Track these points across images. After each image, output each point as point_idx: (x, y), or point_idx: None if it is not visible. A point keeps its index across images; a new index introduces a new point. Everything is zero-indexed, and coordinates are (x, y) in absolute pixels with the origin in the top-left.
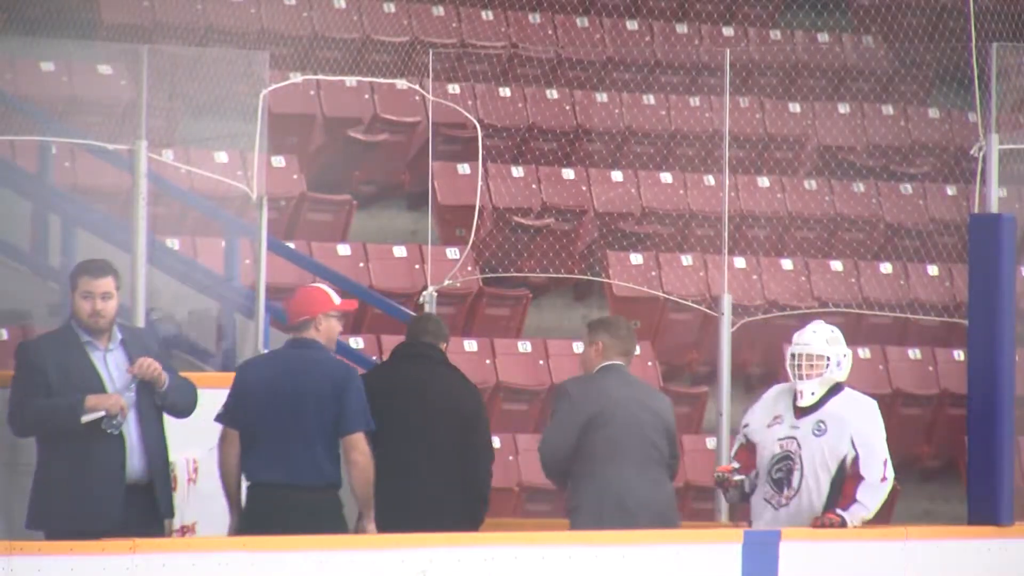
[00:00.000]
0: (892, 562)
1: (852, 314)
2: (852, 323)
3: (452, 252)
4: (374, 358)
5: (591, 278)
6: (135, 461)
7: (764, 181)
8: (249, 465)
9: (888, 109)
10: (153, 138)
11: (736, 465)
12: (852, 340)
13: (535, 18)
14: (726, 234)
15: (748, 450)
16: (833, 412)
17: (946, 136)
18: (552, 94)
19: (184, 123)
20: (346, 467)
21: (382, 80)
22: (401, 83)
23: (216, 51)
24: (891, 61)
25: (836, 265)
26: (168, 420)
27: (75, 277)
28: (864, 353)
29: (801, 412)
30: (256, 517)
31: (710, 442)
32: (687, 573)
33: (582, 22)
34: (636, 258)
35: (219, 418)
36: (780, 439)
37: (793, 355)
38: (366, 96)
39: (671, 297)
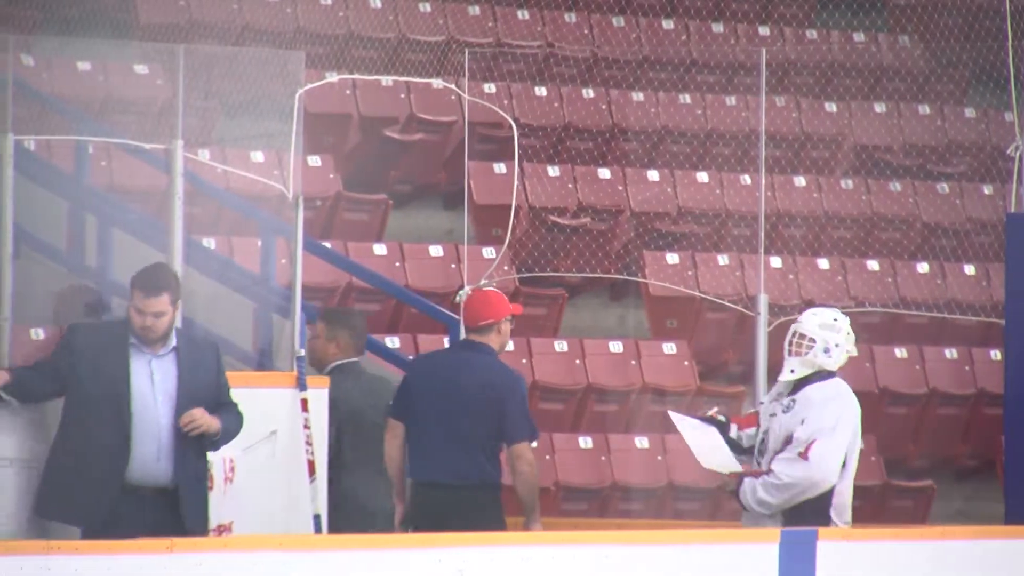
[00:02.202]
0: (928, 562)
1: (889, 314)
2: (889, 323)
3: (488, 251)
4: (410, 357)
5: (627, 278)
6: (162, 464)
7: (800, 180)
8: (413, 463)
9: (924, 108)
10: (189, 138)
11: (725, 412)
12: (888, 340)
13: (571, 17)
14: (762, 233)
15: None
16: (807, 394)
17: (982, 135)
18: (588, 93)
19: (220, 123)
20: (511, 474)
21: (418, 79)
22: (437, 82)
23: (252, 50)
24: (927, 60)
25: (872, 265)
26: None
27: (132, 286)
28: (901, 353)
29: (791, 391)
30: (420, 515)
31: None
32: (723, 573)
33: (618, 21)
34: (672, 258)
35: (388, 411)
36: (769, 413)
37: (789, 331)
38: (402, 95)
39: (707, 297)
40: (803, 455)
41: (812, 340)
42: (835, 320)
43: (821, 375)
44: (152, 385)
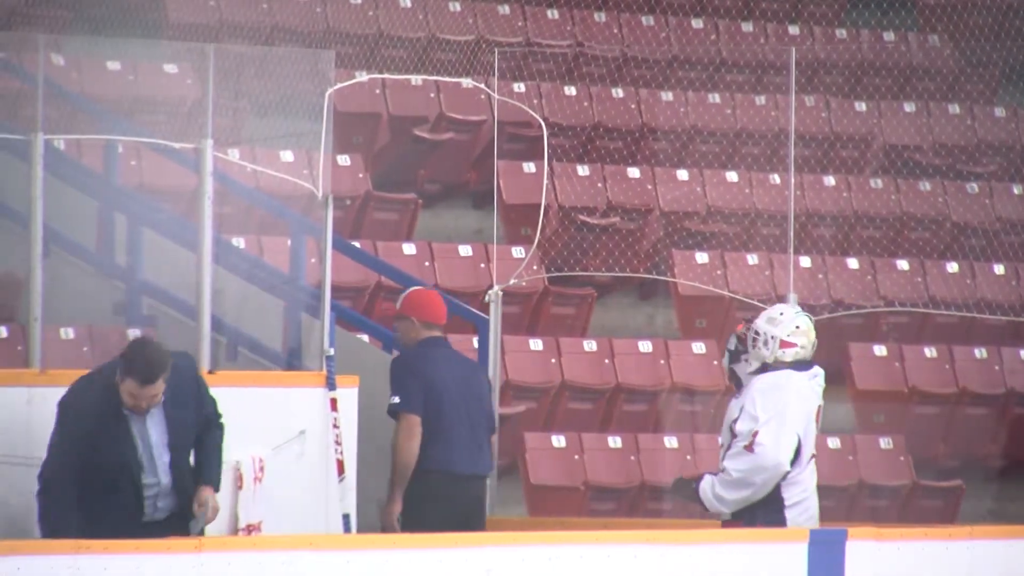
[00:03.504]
0: (957, 561)
1: (918, 313)
2: (918, 322)
3: (517, 251)
4: None
5: (656, 277)
6: (168, 502)
7: (830, 180)
8: (440, 456)
9: (954, 108)
10: (219, 137)
11: None
12: (918, 339)
13: (600, 17)
14: (792, 233)
15: None
16: (751, 384)
17: (1012, 135)
18: (617, 93)
19: (250, 122)
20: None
21: (447, 79)
22: (467, 82)
23: (282, 50)
24: (957, 60)
25: (902, 264)
26: (232, 419)
27: (123, 372)
28: (930, 352)
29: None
30: (452, 509)
31: None
32: (753, 573)
33: (647, 20)
34: (701, 257)
35: (401, 407)
36: None
37: None
38: (432, 95)
39: (737, 296)
40: (748, 447)
41: (758, 333)
42: (780, 314)
43: (770, 367)
44: (150, 445)
